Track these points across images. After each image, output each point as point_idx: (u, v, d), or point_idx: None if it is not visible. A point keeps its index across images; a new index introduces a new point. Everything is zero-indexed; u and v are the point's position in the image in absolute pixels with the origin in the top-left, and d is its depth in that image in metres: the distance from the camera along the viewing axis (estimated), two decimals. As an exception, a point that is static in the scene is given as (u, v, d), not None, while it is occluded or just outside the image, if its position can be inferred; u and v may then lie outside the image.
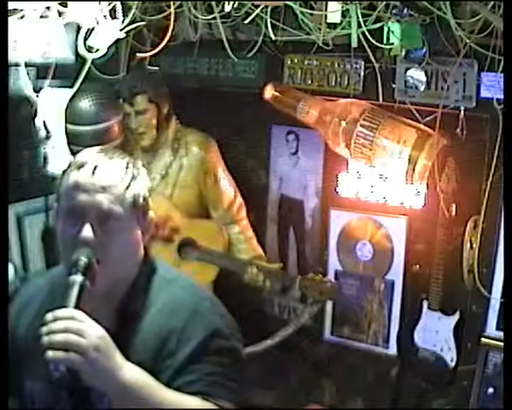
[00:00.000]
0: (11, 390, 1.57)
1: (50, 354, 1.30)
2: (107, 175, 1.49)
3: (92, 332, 1.34)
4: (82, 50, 2.53)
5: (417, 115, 2.64)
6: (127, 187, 1.50)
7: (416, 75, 2.61)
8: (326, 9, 2.34)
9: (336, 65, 2.82)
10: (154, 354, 1.49)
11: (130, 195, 1.51)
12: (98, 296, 1.48)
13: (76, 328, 1.32)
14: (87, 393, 1.49)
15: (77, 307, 1.37)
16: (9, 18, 2.20)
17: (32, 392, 1.56)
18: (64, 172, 1.53)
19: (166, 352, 1.49)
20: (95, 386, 1.38)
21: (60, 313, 1.34)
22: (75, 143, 2.79)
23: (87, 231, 1.45)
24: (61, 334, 1.31)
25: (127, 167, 1.53)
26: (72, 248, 1.46)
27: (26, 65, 2.67)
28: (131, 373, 1.38)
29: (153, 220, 1.60)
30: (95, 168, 1.48)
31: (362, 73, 2.75)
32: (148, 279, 1.58)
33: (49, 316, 1.34)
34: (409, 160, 2.60)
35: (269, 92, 2.86)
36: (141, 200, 1.54)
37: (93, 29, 2.43)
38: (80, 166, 1.49)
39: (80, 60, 2.64)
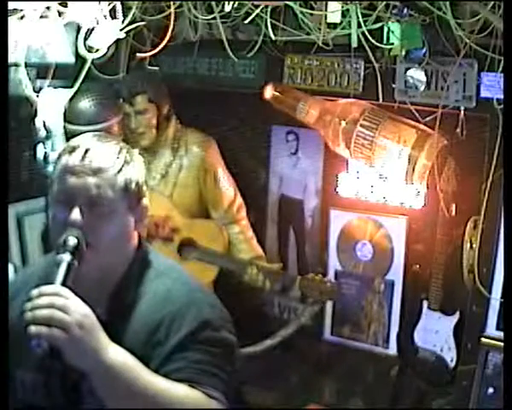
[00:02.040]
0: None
1: (33, 329, 1.28)
2: (98, 158, 1.48)
3: (77, 309, 1.33)
4: (82, 50, 2.53)
5: (417, 115, 2.64)
6: (118, 171, 1.50)
7: (416, 75, 2.61)
8: (326, 9, 2.34)
9: (336, 65, 2.82)
10: (143, 342, 1.48)
11: (121, 179, 1.50)
12: (90, 282, 1.48)
13: (60, 304, 1.31)
14: (78, 384, 1.49)
15: (64, 285, 1.36)
16: (9, 18, 2.20)
17: (22, 381, 1.55)
18: (58, 157, 1.53)
19: (155, 341, 1.48)
20: (77, 365, 1.35)
21: (45, 289, 1.33)
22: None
23: (76, 214, 1.45)
24: (45, 309, 1.30)
25: (120, 152, 1.53)
26: (62, 231, 1.45)
27: (26, 65, 2.67)
28: (116, 354, 1.36)
29: (147, 209, 1.59)
30: (86, 152, 1.48)
31: (362, 73, 2.75)
32: (142, 269, 1.58)
33: (35, 292, 1.32)
34: (409, 160, 2.60)
35: (269, 92, 2.86)
36: (133, 185, 1.53)
37: (93, 29, 2.44)
38: (72, 151, 1.50)
39: (80, 60, 2.64)
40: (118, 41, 2.62)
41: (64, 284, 1.36)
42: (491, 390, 2.57)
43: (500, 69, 2.31)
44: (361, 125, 2.66)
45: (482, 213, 2.53)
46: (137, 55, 3.01)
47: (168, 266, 1.67)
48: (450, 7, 2.16)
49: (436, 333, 2.83)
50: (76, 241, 1.42)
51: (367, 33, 2.31)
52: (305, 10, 2.34)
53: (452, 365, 2.77)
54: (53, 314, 1.29)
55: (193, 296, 1.58)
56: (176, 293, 1.56)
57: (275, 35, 2.47)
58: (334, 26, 2.38)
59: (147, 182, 1.63)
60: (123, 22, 2.44)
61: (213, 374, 1.47)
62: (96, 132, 1.60)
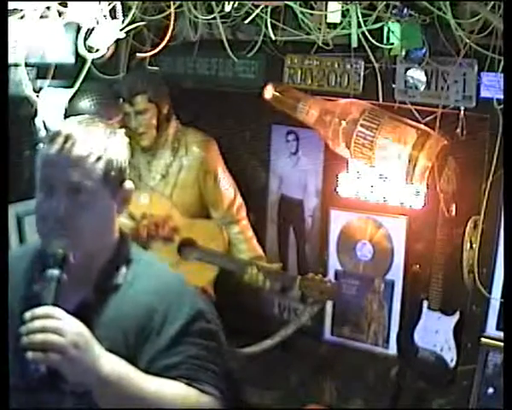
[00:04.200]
0: None
1: (30, 355, 1.29)
2: (78, 147, 1.48)
3: (70, 329, 1.33)
4: (82, 50, 2.53)
5: (417, 115, 2.63)
6: (98, 159, 1.49)
7: (416, 75, 2.61)
8: (326, 9, 2.34)
9: (336, 65, 2.81)
10: (137, 331, 1.49)
11: (101, 167, 1.49)
12: (76, 267, 1.47)
13: (54, 326, 1.31)
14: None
15: (55, 301, 1.36)
16: (9, 18, 2.21)
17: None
18: (39, 145, 1.54)
19: (149, 330, 1.49)
20: (77, 382, 1.36)
21: (37, 311, 1.33)
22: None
23: (57, 204, 1.45)
24: (39, 334, 1.30)
25: (101, 138, 1.52)
26: (44, 222, 1.47)
27: (26, 65, 2.67)
28: (110, 364, 1.38)
29: (130, 191, 1.59)
30: (65, 141, 1.47)
31: (362, 73, 2.75)
32: (127, 254, 1.59)
33: (28, 315, 1.33)
34: (409, 160, 2.60)
35: (269, 92, 2.86)
36: (113, 172, 1.52)
37: (93, 29, 2.44)
38: (52, 139, 1.49)
39: (80, 60, 2.64)
40: (118, 41, 2.63)
41: (55, 300, 1.37)
42: (491, 390, 2.57)
43: (500, 69, 2.31)
44: (361, 125, 2.66)
45: (482, 213, 2.53)
46: (137, 55, 3.01)
47: (152, 256, 1.70)
48: (450, 7, 2.15)
49: (436, 333, 2.83)
50: (63, 253, 1.42)
51: (367, 33, 2.31)
52: (305, 10, 2.34)
53: (452, 365, 2.77)
54: (47, 338, 1.30)
55: (185, 288, 1.60)
56: (169, 283, 1.58)
57: (275, 35, 2.47)
58: (334, 26, 2.38)
59: (128, 163, 1.61)
60: (123, 22, 2.44)
61: (208, 369, 1.49)
62: (80, 119, 1.58)
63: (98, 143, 1.51)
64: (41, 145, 1.53)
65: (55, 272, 1.40)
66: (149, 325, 1.49)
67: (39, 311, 1.34)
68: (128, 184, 1.58)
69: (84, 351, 1.34)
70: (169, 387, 1.43)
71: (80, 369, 1.33)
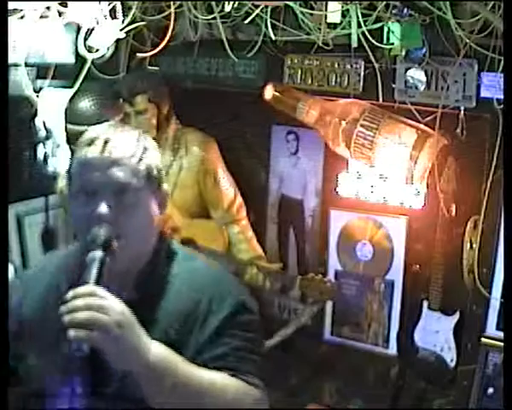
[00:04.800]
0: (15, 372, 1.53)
1: (73, 333, 1.25)
2: (119, 149, 1.47)
3: (114, 308, 1.30)
4: (82, 50, 2.54)
5: (417, 115, 2.64)
6: (140, 159, 1.49)
7: (416, 75, 2.61)
8: (326, 9, 2.34)
9: (336, 65, 2.81)
10: (181, 324, 1.48)
11: (143, 167, 1.49)
12: (118, 268, 1.44)
13: (98, 304, 1.28)
14: (97, 375, 1.46)
15: (97, 283, 1.33)
16: (9, 18, 2.21)
17: (37, 372, 1.51)
18: (73, 150, 1.52)
19: (193, 323, 1.48)
20: (120, 366, 1.34)
21: (80, 290, 1.30)
22: (75, 143, 2.79)
23: (103, 208, 1.43)
24: (83, 312, 1.26)
25: (138, 140, 1.52)
26: (88, 226, 1.43)
27: (26, 65, 2.67)
28: (156, 350, 1.35)
29: (168, 193, 1.59)
30: (105, 143, 1.47)
31: (362, 73, 2.75)
32: (168, 251, 1.59)
33: (70, 294, 1.29)
34: (409, 160, 2.60)
35: (269, 92, 2.86)
36: (154, 171, 1.53)
37: (93, 29, 2.44)
38: (90, 143, 1.48)
39: (80, 60, 2.65)
40: (118, 41, 2.63)
41: (98, 281, 1.33)
42: (491, 390, 2.57)
43: (500, 69, 2.31)
44: (361, 125, 2.66)
45: (482, 213, 2.53)
46: (137, 55, 3.01)
47: (190, 251, 1.70)
48: (450, 7, 2.16)
49: (436, 333, 2.83)
50: (106, 236, 1.40)
51: (367, 33, 2.31)
52: (305, 10, 2.34)
53: (452, 365, 2.77)
54: (92, 316, 1.26)
55: (226, 278, 1.61)
56: (209, 275, 1.59)
57: (275, 35, 2.48)
58: (334, 26, 2.38)
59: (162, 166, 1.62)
60: (123, 22, 2.45)
61: (252, 360, 1.49)
62: (112, 123, 1.60)
63: (136, 144, 1.51)
64: (77, 151, 1.51)
65: (97, 253, 1.37)
66: (193, 318, 1.48)
67: (82, 289, 1.30)
68: (165, 186, 1.58)
69: (129, 331, 1.30)
70: (216, 377, 1.42)
71: (124, 350, 1.29)
